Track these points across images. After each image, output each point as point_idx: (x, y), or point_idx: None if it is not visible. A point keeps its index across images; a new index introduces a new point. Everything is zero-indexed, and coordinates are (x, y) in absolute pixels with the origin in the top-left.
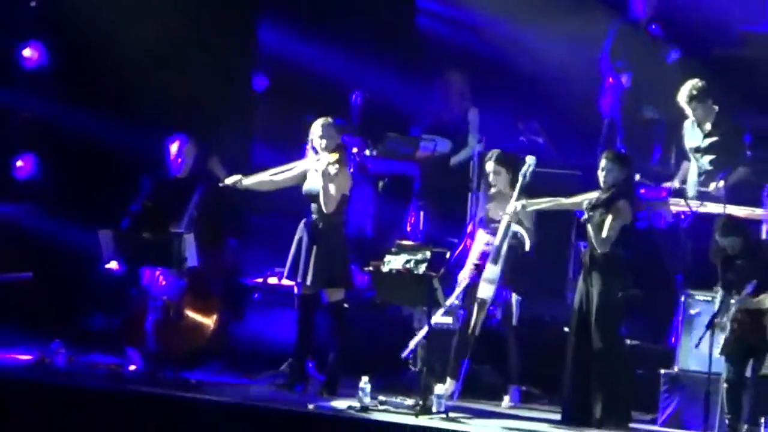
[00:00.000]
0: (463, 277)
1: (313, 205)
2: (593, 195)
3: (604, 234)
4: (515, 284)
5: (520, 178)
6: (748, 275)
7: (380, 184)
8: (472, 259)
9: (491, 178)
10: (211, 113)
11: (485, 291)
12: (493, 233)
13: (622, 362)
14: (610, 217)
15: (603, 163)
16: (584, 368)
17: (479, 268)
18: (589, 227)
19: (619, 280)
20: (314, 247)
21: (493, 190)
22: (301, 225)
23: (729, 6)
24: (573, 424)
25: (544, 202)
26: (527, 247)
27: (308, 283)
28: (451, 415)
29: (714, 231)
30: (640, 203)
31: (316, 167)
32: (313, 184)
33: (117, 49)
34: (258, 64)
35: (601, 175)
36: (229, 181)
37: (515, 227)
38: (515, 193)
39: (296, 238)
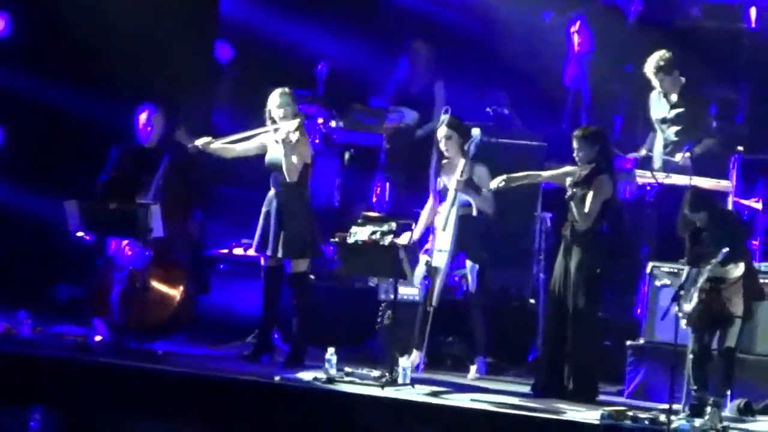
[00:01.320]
0: (424, 251)
1: (277, 176)
2: (571, 168)
3: (585, 209)
4: (470, 252)
5: (466, 151)
6: (716, 247)
7: (346, 155)
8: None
9: (443, 143)
10: (174, 83)
11: (438, 260)
12: None
13: (596, 337)
14: (591, 193)
15: (573, 142)
16: (560, 342)
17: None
18: (572, 203)
19: (599, 255)
20: (281, 219)
21: (444, 160)
22: (268, 197)
23: None
24: (544, 396)
25: (523, 177)
26: (474, 212)
27: (279, 255)
28: (417, 387)
29: (682, 205)
30: (619, 177)
31: (276, 137)
32: (274, 154)
33: (82, 19)
34: (221, 34)
35: (575, 154)
36: (199, 142)
37: (463, 196)
38: (461, 166)
39: (263, 210)
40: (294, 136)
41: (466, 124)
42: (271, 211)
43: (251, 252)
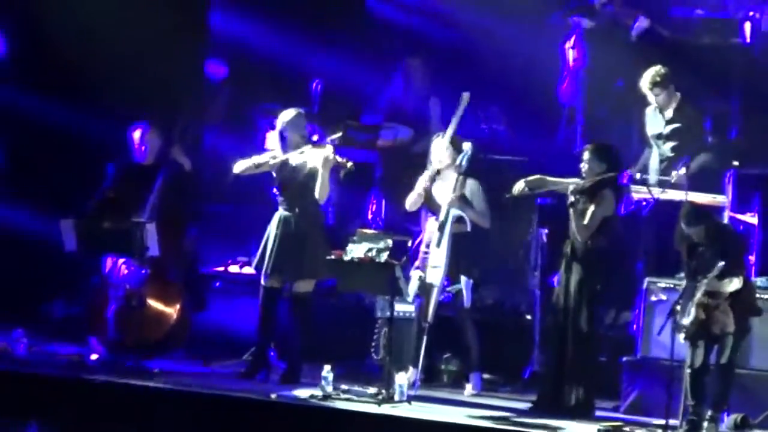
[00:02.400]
0: (416, 267)
1: (294, 197)
2: (576, 179)
3: (585, 222)
4: (464, 268)
5: (458, 166)
6: (712, 261)
7: (341, 172)
8: (424, 247)
9: (440, 154)
10: (167, 101)
11: (433, 276)
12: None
13: (594, 353)
14: (592, 207)
15: (584, 154)
16: (561, 358)
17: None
18: (572, 213)
19: (599, 272)
20: (302, 240)
21: (437, 176)
22: (281, 217)
23: None
24: (544, 412)
25: (535, 181)
26: (468, 228)
27: (302, 276)
28: (414, 403)
29: (679, 219)
30: (624, 195)
31: (315, 159)
32: (293, 173)
33: (74, 37)
34: (213, 53)
35: (582, 165)
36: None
37: (455, 211)
38: (453, 182)
39: (275, 232)
40: (350, 164)
41: (459, 140)
42: (287, 232)
43: (248, 270)
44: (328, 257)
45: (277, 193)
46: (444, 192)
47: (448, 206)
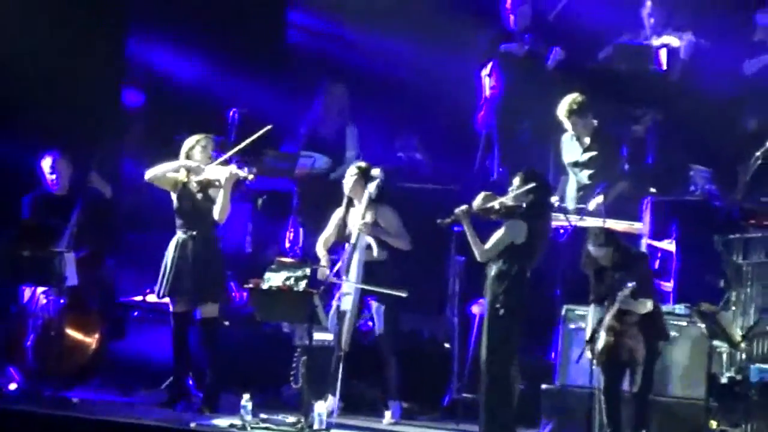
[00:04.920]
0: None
1: (193, 219)
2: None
3: (486, 246)
4: (376, 294)
5: (367, 192)
6: (620, 284)
7: (259, 201)
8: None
9: (350, 182)
10: (82, 129)
11: (346, 304)
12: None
13: (502, 379)
14: (499, 232)
15: (514, 180)
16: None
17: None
18: (467, 233)
19: (505, 297)
20: (200, 263)
21: (352, 206)
22: (181, 240)
23: (603, 19)
24: None
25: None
26: (375, 254)
27: (203, 300)
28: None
29: (585, 242)
30: (542, 229)
31: (216, 176)
32: (194, 197)
33: None
34: (130, 80)
35: (510, 188)
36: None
37: (368, 239)
38: (363, 209)
39: (174, 255)
40: (248, 175)
41: (369, 167)
42: (184, 255)
43: (166, 299)
44: (246, 286)
45: (176, 216)
46: (356, 220)
47: (358, 232)
